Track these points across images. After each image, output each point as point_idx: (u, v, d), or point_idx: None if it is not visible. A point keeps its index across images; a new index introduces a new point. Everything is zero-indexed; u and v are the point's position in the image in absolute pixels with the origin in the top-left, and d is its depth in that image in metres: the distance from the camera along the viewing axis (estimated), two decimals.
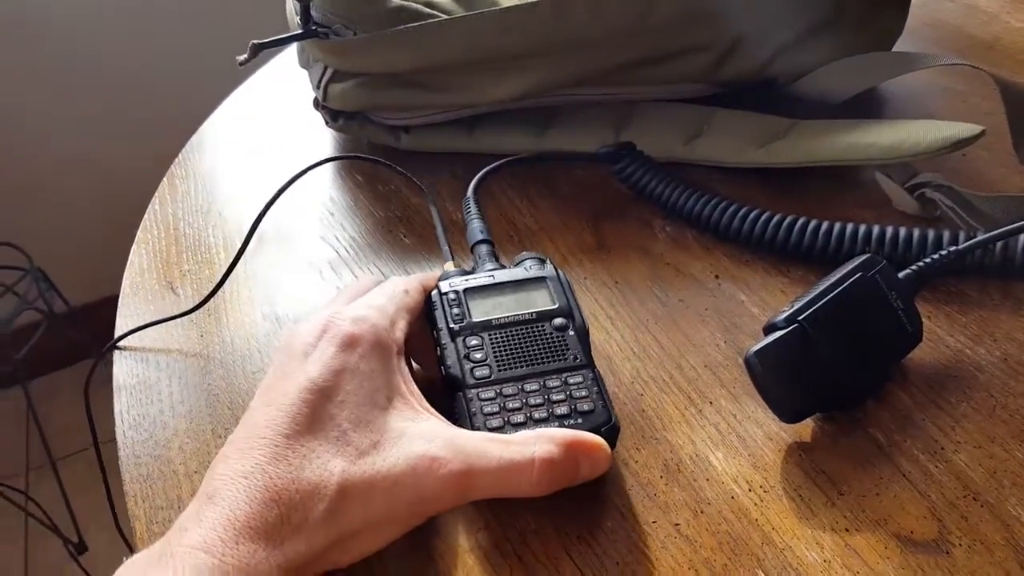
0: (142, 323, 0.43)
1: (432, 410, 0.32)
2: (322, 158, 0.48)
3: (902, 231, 0.41)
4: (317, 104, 0.55)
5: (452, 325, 0.36)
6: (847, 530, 0.31)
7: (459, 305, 0.36)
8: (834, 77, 0.52)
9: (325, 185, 0.53)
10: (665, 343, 0.40)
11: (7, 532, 1.28)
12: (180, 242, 0.50)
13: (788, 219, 0.43)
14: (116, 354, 0.43)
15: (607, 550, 0.31)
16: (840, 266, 0.37)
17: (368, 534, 0.28)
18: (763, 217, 0.44)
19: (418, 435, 0.30)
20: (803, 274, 0.43)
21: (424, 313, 0.37)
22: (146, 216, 0.52)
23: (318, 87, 0.54)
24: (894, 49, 0.53)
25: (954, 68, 0.54)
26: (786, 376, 0.34)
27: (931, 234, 0.41)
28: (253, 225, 0.44)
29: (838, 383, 0.35)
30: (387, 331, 0.33)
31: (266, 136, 0.59)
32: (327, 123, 0.55)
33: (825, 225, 0.43)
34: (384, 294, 0.35)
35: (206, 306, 0.44)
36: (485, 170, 0.47)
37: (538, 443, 0.30)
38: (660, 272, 0.44)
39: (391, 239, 0.48)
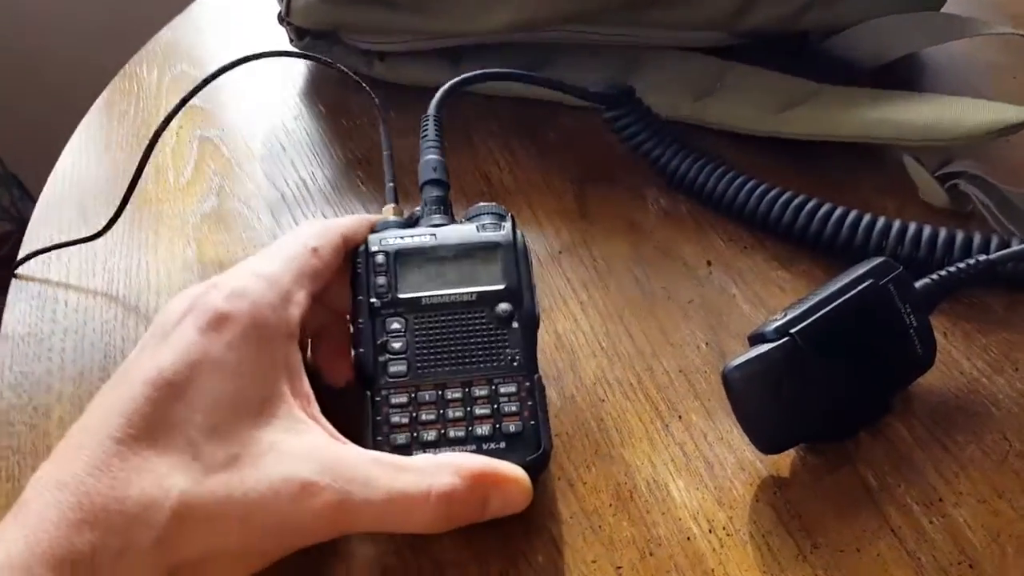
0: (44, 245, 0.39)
1: (319, 417, 0.27)
2: (246, 55, 0.39)
3: (926, 229, 0.35)
4: (281, 19, 0.48)
5: (373, 299, 0.30)
6: None
7: (386, 272, 0.31)
8: (872, 36, 0.45)
9: (283, 112, 0.47)
10: (639, 339, 0.34)
11: None
12: (110, 163, 0.44)
13: (798, 199, 0.38)
14: (13, 288, 0.38)
15: None
16: (849, 269, 0.32)
17: (215, 569, 0.23)
18: (770, 194, 0.38)
19: (291, 452, 0.25)
20: (807, 268, 0.37)
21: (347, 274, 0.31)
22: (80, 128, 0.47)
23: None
24: (943, 11, 0.46)
25: (1004, 40, 0.47)
26: (769, 400, 0.29)
27: (959, 236, 0.35)
28: (150, 144, 0.37)
29: (830, 411, 0.29)
30: (273, 309, 0.27)
31: (226, 50, 0.52)
32: (291, 41, 0.48)
33: (838, 212, 0.37)
34: (283, 254, 0.29)
35: (119, 245, 0.38)
36: (454, 81, 0.39)
37: (438, 473, 0.25)
38: (645, 253, 0.38)
39: (346, 183, 0.43)
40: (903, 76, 0.46)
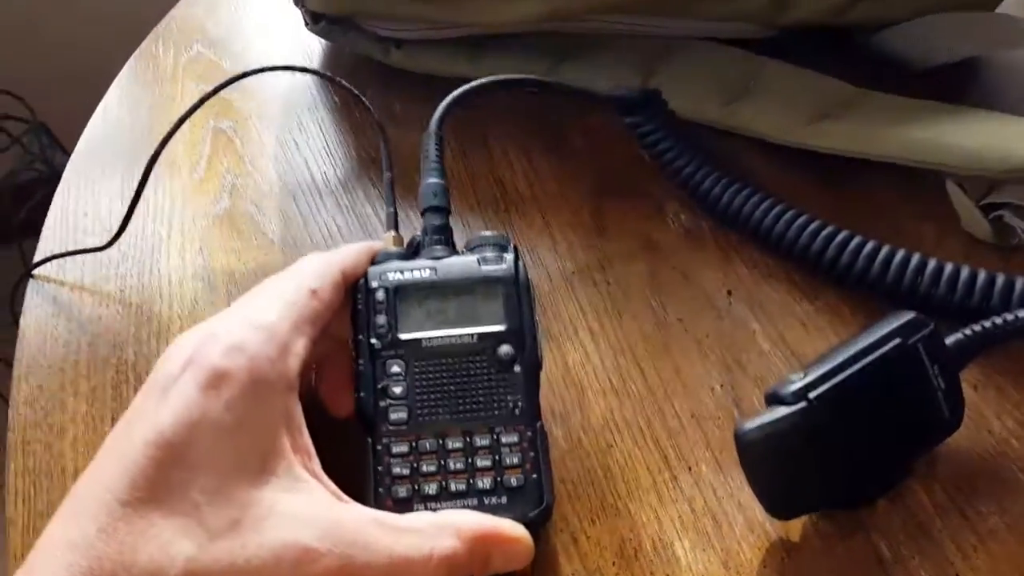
0: (60, 251, 0.38)
1: (320, 474, 0.26)
2: (251, 69, 0.39)
3: (963, 271, 0.33)
4: (297, 1, 0.46)
5: (373, 340, 0.29)
6: None
7: (386, 311, 0.30)
8: (922, 35, 0.42)
9: (297, 104, 0.46)
10: (651, 377, 0.33)
11: None
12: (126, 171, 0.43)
13: (828, 229, 0.35)
14: (30, 288, 0.38)
15: None
16: (877, 323, 0.30)
17: None
18: (799, 220, 0.36)
19: (291, 515, 0.24)
20: (832, 303, 0.35)
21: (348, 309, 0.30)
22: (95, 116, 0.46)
23: None
24: (1003, 11, 0.42)
25: None
26: (784, 467, 0.28)
27: (1000, 280, 0.33)
28: (149, 163, 0.37)
29: (847, 478, 0.28)
30: (272, 363, 0.26)
31: (240, 32, 0.51)
32: (306, 24, 0.46)
33: (870, 245, 0.35)
34: (281, 299, 0.28)
35: (132, 249, 0.38)
36: (457, 93, 0.36)
37: (439, 535, 0.25)
38: (663, 277, 0.36)
39: (358, 186, 0.41)
40: (954, 83, 0.42)
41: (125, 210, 0.37)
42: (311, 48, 0.49)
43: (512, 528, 0.26)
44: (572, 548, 0.29)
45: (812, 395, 0.28)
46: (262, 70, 0.38)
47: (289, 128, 0.44)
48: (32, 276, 0.38)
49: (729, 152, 0.40)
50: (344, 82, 0.40)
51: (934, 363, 0.29)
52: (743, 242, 0.37)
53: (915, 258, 0.34)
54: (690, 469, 0.31)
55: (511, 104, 0.44)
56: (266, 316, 0.27)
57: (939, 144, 0.35)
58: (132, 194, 0.37)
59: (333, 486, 0.26)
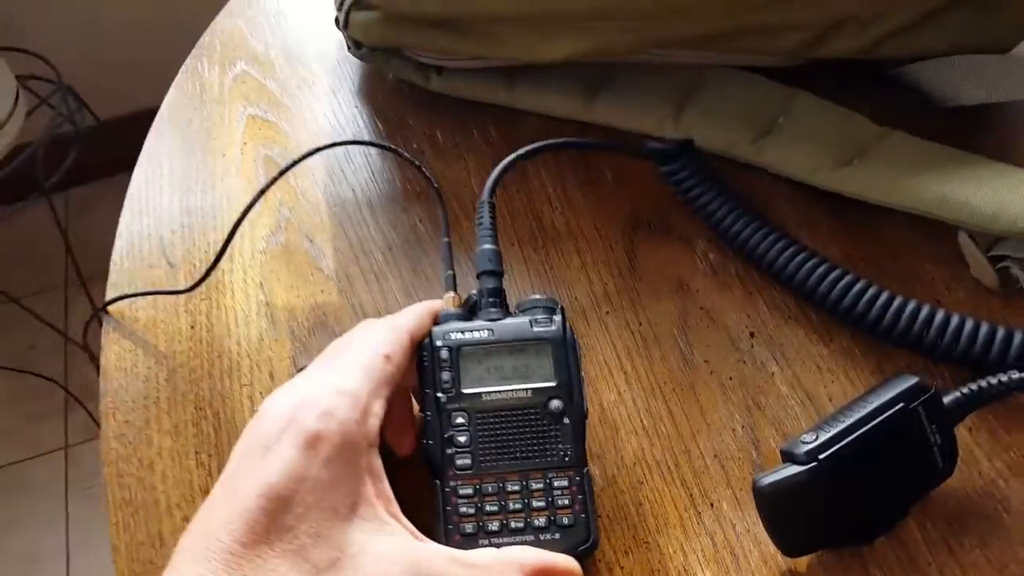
0: (133, 291, 0.42)
1: (400, 516, 0.31)
2: (318, 145, 0.41)
3: (968, 324, 0.36)
4: (339, 25, 0.48)
5: (439, 395, 0.33)
6: None
7: (451, 368, 0.33)
8: (948, 75, 0.43)
9: (342, 131, 0.48)
10: (679, 418, 0.37)
11: (47, 359, 1.33)
12: (183, 202, 0.46)
13: (847, 278, 0.38)
14: (106, 325, 0.41)
15: None
16: (883, 385, 0.33)
17: None
18: (820, 269, 0.39)
19: (380, 554, 0.29)
20: (846, 346, 0.38)
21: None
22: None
23: (339, 8, 0.46)
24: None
25: None
26: (794, 516, 0.32)
27: (1000, 333, 0.36)
28: (237, 222, 0.40)
29: (851, 523, 0.32)
30: (358, 425, 0.30)
31: (284, 49, 0.52)
32: (349, 49, 0.48)
33: (884, 296, 0.38)
34: (360, 365, 0.32)
35: (199, 288, 0.41)
36: (506, 162, 0.40)
37: (506, 571, 0.29)
38: (691, 318, 0.40)
39: (404, 222, 0.44)
40: (980, 116, 0.44)
41: (195, 253, 0.40)
42: (352, 66, 0.51)
43: (566, 562, 0.30)
44: (608, 575, 0.33)
45: (821, 456, 0.31)
46: (319, 149, 0.41)
47: (336, 158, 0.47)
48: (106, 312, 0.42)
49: (756, 189, 0.43)
50: (405, 152, 0.42)
51: (932, 423, 0.32)
52: (766, 284, 0.40)
53: (924, 310, 0.37)
54: (712, 506, 0.35)
55: (548, 133, 0.46)
56: (350, 383, 0.31)
57: (954, 202, 0.38)
58: (199, 227, 0.40)
59: (411, 526, 0.31)
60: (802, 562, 0.33)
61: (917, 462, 0.33)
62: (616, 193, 0.44)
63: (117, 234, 0.44)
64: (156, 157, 0.47)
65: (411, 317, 0.34)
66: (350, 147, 0.47)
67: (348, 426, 0.30)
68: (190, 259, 0.43)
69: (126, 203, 0.45)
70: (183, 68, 0.52)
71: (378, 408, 0.31)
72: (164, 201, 0.46)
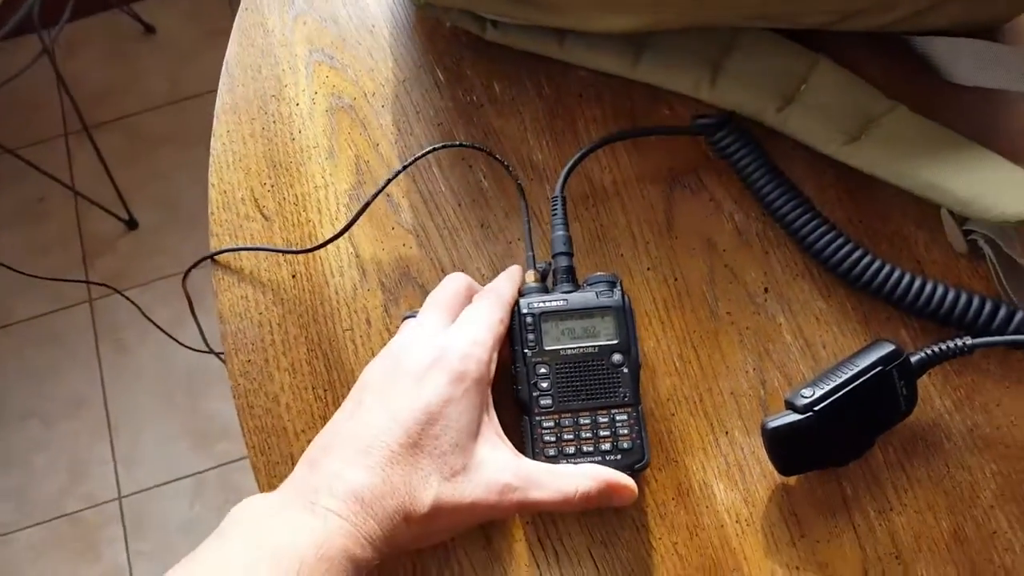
0: (236, 245, 0.48)
1: (504, 437, 0.40)
2: (432, 147, 0.48)
3: (939, 290, 0.45)
4: None
5: (526, 350, 0.42)
6: (797, 568, 0.42)
7: (534, 330, 0.42)
8: (953, 55, 0.49)
9: (412, 79, 0.52)
10: (704, 362, 0.46)
11: (59, 211, 1.35)
12: (267, 155, 0.51)
13: (848, 246, 0.46)
14: (215, 272, 0.48)
15: (619, 555, 0.43)
16: (866, 349, 0.43)
17: (447, 533, 0.39)
18: (829, 235, 0.46)
19: (496, 464, 0.39)
20: (841, 301, 0.47)
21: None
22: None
23: None
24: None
25: None
26: (792, 449, 0.42)
27: (962, 299, 0.45)
28: (364, 206, 0.46)
29: (832, 454, 0.43)
30: (485, 366, 0.40)
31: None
32: None
33: (876, 264, 0.46)
34: (486, 324, 0.41)
35: (293, 235, 0.48)
36: (573, 160, 0.47)
37: (582, 479, 0.39)
38: (717, 274, 0.48)
39: (471, 182, 0.50)
40: (978, 97, 0.50)
41: (284, 198, 0.46)
42: (409, 8, 0.54)
43: (625, 480, 0.40)
44: (646, 487, 0.44)
45: (816, 408, 0.41)
46: (415, 160, 0.48)
47: (403, 108, 0.51)
48: (215, 261, 0.48)
49: (780, 146, 0.49)
50: (492, 152, 0.48)
51: (901, 379, 0.42)
52: (780, 243, 0.48)
53: (906, 276, 0.45)
54: (727, 433, 0.45)
55: (596, 90, 0.52)
56: (481, 336, 0.40)
57: (938, 187, 0.45)
58: (284, 178, 0.46)
59: (512, 446, 0.40)
60: (792, 479, 0.44)
61: (886, 408, 0.42)
62: (659, 153, 0.50)
63: (210, 184, 0.50)
64: (233, 107, 0.52)
65: (511, 286, 0.43)
66: (416, 99, 0.52)
67: (481, 368, 0.39)
68: (282, 212, 0.49)
69: (212, 155, 0.50)
70: (242, 5, 0.54)
71: (494, 357, 0.41)
72: (249, 152, 0.51)
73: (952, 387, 0.45)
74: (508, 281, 0.43)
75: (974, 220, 0.46)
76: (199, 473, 1.21)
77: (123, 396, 1.26)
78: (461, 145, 0.49)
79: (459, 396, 0.38)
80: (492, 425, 0.40)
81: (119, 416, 1.25)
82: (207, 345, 0.58)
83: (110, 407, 1.26)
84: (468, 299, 0.43)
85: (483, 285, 0.44)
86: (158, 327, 0.83)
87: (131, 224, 1.34)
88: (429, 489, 0.36)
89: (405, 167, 0.47)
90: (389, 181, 0.46)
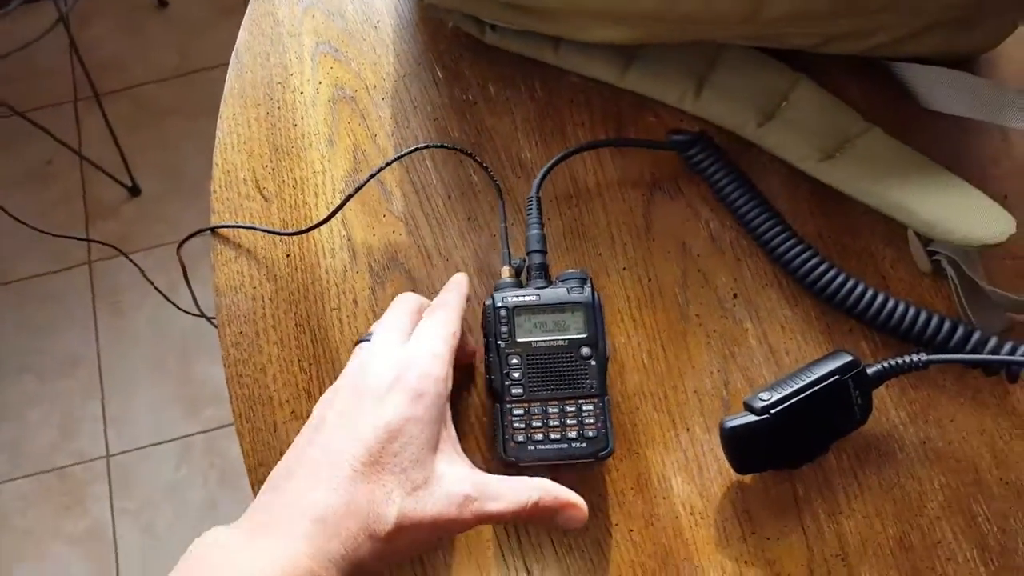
0: (236, 223, 0.50)
1: (461, 453, 0.41)
2: (416, 146, 0.50)
3: (899, 307, 0.47)
4: None
5: (499, 342, 0.44)
6: (746, 563, 0.45)
7: (508, 323, 0.44)
8: (931, 83, 0.51)
9: (409, 72, 0.54)
10: (672, 361, 0.48)
11: (65, 174, 1.37)
12: (270, 139, 0.53)
13: (815, 259, 0.48)
14: (215, 245, 0.50)
15: (577, 539, 0.45)
16: (826, 357, 0.45)
17: (411, 551, 0.40)
18: (796, 248, 0.49)
19: (455, 476, 0.40)
20: (807, 311, 0.49)
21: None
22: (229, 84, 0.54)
23: None
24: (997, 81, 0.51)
25: None
26: (748, 449, 0.44)
27: (922, 316, 0.47)
28: (349, 195, 0.48)
29: (787, 456, 0.45)
30: (444, 382, 0.41)
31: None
32: None
33: (840, 277, 0.48)
34: (441, 338, 0.42)
35: (290, 215, 0.50)
36: (548, 165, 0.49)
37: (536, 491, 0.40)
38: (690, 278, 0.50)
39: (462, 175, 0.52)
40: (950, 123, 0.52)
41: (282, 182, 0.49)
42: (412, 6, 0.56)
43: (576, 499, 0.41)
44: (607, 476, 0.46)
45: (772, 411, 0.43)
46: (413, 151, 0.48)
47: (403, 105, 0.53)
48: (215, 233, 0.50)
49: (756, 159, 0.51)
50: (474, 155, 0.50)
51: (857, 389, 0.44)
52: (752, 252, 0.50)
53: (869, 292, 0.48)
54: (687, 429, 0.47)
55: (587, 96, 0.54)
56: (439, 350, 0.41)
57: (906, 208, 0.47)
58: (284, 163, 0.48)
59: (468, 461, 0.42)
60: (747, 477, 0.46)
61: (840, 416, 0.45)
62: (640, 158, 0.52)
63: (214, 163, 0.52)
64: (241, 92, 0.54)
65: (459, 297, 0.44)
66: (414, 94, 0.54)
67: (439, 384, 0.41)
68: (281, 194, 0.51)
69: (218, 136, 0.53)
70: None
71: (451, 371, 0.42)
72: (253, 136, 0.53)
73: (908, 400, 0.48)
74: (456, 293, 0.45)
75: (938, 242, 0.48)
76: (186, 437, 1.24)
77: (117, 357, 1.29)
78: (443, 147, 0.51)
79: (419, 413, 0.39)
80: (450, 439, 0.41)
81: (112, 376, 1.28)
82: (199, 309, 0.60)
83: (103, 367, 1.28)
84: (419, 316, 0.44)
85: (458, 276, 0.46)
86: (156, 289, 0.85)
87: (134, 191, 1.36)
88: (392, 505, 0.37)
89: (389, 162, 0.49)
90: (375, 173, 0.48)
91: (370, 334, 0.43)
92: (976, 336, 0.47)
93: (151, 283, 0.85)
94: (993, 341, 0.46)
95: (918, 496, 0.46)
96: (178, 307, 0.80)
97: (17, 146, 1.39)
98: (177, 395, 1.27)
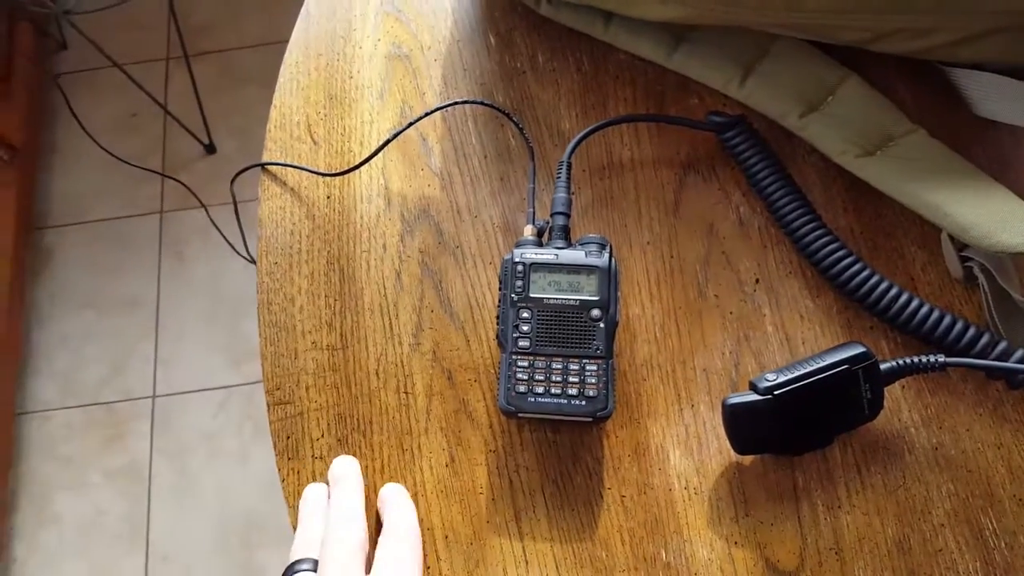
0: (286, 161, 0.53)
1: None
2: (446, 103, 0.52)
3: (923, 309, 0.46)
4: None
5: (513, 295, 0.45)
6: (736, 543, 0.45)
7: (523, 278, 0.45)
8: (985, 91, 0.50)
9: (466, 39, 0.56)
10: (684, 337, 0.49)
11: (148, 127, 1.44)
12: (327, 88, 0.55)
13: (841, 252, 0.48)
14: (262, 181, 0.53)
15: (569, 497, 0.46)
16: (838, 347, 0.44)
17: None
18: (824, 240, 0.48)
19: None
20: (828, 304, 0.49)
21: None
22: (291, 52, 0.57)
23: None
24: None
25: None
26: (749, 429, 0.44)
27: (945, 320, 0.46)
28: (387, 140, 0.50)
29: (788, 441, 0.45)
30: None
31: None
32: None
33: (865, 272, 0.47)
34: (347, 552, 0.40)
35: (335, 160, 0.52)
36: (581, 134, 0.50)
37: None
38: (713, 258, 0.50)
39: (503, 136, 0.53)
40: (1000, 131, 0.51)
41: (338, 135, 0.51)
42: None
43: None
44: (606, 441, 0.47)
45: (776, 392, 0.43)
46: (449, 105, 0.50)
47: (454, 67, 0.55)
48: (264, 169, 0.53)
49: (796, 150, 0.51)
50: (510, 114, 0.52)
51: (867, 383, 0.44)
52: (779, 240, 0.50)
53: (893, 289, 0.47)
54: (692, 406, 0.47)
55: (632, 72, 0.54)
56: (349, 564, 0.40)
57: (940, 210, 0.46)
58: (337, 116, 0.50)
59: None
60: (747, 459, 0.46)
61: (848, 408, 0.44)
62: (677, 138, 0.53)
63: (272, 105, 0.55)
64: (306, 42, 0.56)
65: (359, 499, 0.44)
66: (466, 58, 0.55)
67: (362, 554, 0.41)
68: (329, 139, 0.53)
69: (280, 81, 0.55)
70: None
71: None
72: (311, 83, 0.55)
73: (924, 403, 0.47)
74: (357, 495, 0.44)
75: (972, 247, 0.47)
76: (227, 387, 1.29)
77: (174, 304, 1.35)
78: (481, 103, 0.52)
79: None
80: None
81: (166, 321, 1.34)
82: (247, 252, 0.63)
83: (161, 311, 1.34)
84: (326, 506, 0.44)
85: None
86: (221, 233, 0.88)
87: (210, 149, 1.42)
88: None
89: (428, 113, 0.51)
90: (413, 122, 0.50)
91: (300, 564, 0.42)
92: (1002, 345, 0.46)
93: (217, 229, 0.89)
94: (1020, 352, 0.45)
95: (923, 501, 0.45)
96: (236, 250, 0.83)
97: (108, 95, 1.47)
98: (224, 346, 1.32)
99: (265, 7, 1.56)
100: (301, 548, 0.42)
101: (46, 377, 1.32)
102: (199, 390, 1.29)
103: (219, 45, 1.51)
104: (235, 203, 0.57)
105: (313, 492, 0.45)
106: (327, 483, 0.45)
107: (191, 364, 1.31)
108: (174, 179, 1.32)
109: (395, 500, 0.45)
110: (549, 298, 0.45)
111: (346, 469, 0.45)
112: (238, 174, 0.55)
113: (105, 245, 1.39)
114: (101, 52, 1.17)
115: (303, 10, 0.58)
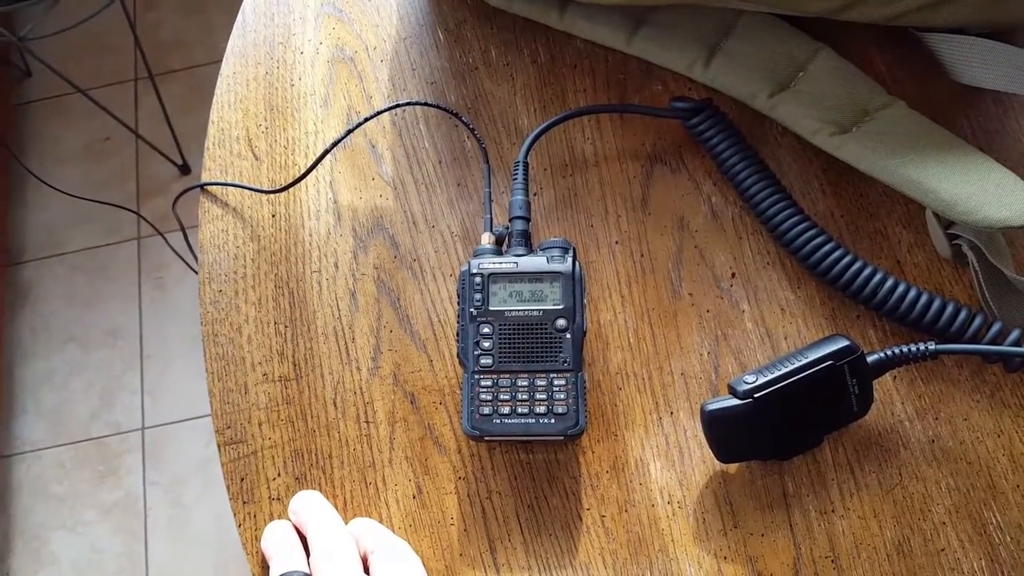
0: (225, 180, 0.50)
1: None
2: (388, 105, 0.49)
3: (911, 293, 0.43)
4: None
5: (472, 309, 0.42)
6: (725, 558, 0.42)
7: (482, 290, 0.42)
8: (963, 54, 0.47)
9: (412, 35, 0.53)
10: (659, 341, 0.46)
11: (121, 150, 1.41)
12: (267, 98, 0.52)
13: (820, 238, 0.45)
14: (202, 203, 0.50)
15: (546, 522, 0.43)
16: (821, 341, 0.41)
17: None
18: (802, 225, 0.45)
19: None
20: (810, 294, 0.46)
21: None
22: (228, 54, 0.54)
23: None
24: None
25: None
26: (728, 435, 0.41)
27: (935, 304, 0.43)
28: (327, 149, 0.47)
29: (773, 445, 0.42)
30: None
31: None
32: None
33: (847, 258, 0.44)
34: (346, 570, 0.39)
35: (278, 174, 0.49)
36: (537, 130, 0.47)
37: None
38: (686, 255, 0.47)
39: (457, 140, 0.50)
40: (983, 97, 0.48)
41: (277, 146, 0.48)
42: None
43: None
44: (583, 457, 0.44)
45: (756, 395, 0.40)
46: (392, 107, 0.48)
47: (402, 67, 0.52)
48: (203, 190, 0.50)
49: (767, 133, 0.48)
50: (458, 114, 0.49)
51: (854, 377, 0.41)
52: (755, 230, 0.47)
53: (877, 275, 0.44)
54: (671, 413, 0.44)
55: (592, 61, 0.51)
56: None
57: (923, 187, 0.43)
58: (280, 124, 0.47)
59: None
60: (732, 467, 0.43)
61: (835, 406, 0.41)
62: (642, 129, 0.50)
63: (210, 122, 0.52)
64: (243, 51, 0.53)
65: (342, 527, 0.41)
66: (414, 57, 0.52)
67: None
68: (272, 153, 0.50)
69: (216, 94, 0.52)
70: None
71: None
72: (250, 95, 0.52)
73: (917, 394, 0.44)
74: (336, 521, 0.42)
75: (959, 224, 0.44)
76: None
77: (157, 332, 1.32)
78: (427, 104, 0.49)
79: None
80: None
81: (151, 350, 1.31)
82: (193, 270, 0.60)
83: (144, 340, 1.32)
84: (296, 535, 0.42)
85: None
86: (192, 256, 0.85)
87: (184, 169, 1.39)
88: None
89: (369, 117, 0.48)
90: (353, 129, 0.47)
91: None
92: (996, 327, 0.43)
93: (189, 248, 0.86)
94: (1015, 333, 0.42)
95: (922, 499, 0.42)
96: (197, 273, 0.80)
97: (78, 121, 1.44)
98: None
99: (231, 21, 1.53)
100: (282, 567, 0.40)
101: (33, 415, 1.29)
102: (189, 419, 1.26)
103: (189, 62, 1.49)
104: (183, 228, 0.54)
105: (278, 526, 0.42)
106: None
107: (178, 393, 1.28)
108: (132, 210, 1.29)
109: (372, 527, 0.42)
110: (511, 310, 0.42)
111: (314, 504, 0.42)
112: (177, 198, 0.52)
113: (84, 276, 1.36)
114: (62, 78, 1.14)
115: (239, 17, 0.55)
